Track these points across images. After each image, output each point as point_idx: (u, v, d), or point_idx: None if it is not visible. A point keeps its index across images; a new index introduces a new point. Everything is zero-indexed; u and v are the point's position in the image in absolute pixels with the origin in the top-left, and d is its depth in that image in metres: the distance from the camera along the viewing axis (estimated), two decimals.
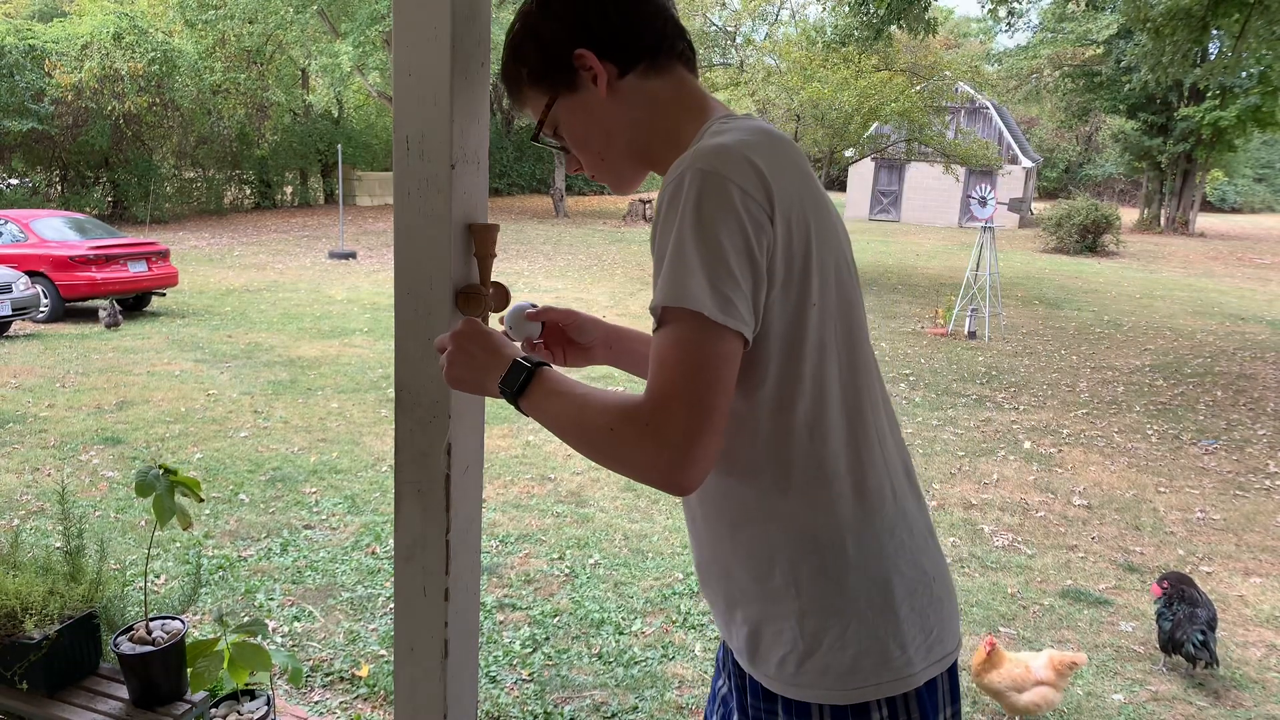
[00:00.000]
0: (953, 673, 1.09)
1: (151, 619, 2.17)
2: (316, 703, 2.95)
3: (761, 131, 1.00)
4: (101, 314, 9.68)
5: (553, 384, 1.02)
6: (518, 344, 1.26)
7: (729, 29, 16.41)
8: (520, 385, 1.03)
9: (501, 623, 3.52)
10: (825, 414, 1.00)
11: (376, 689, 3.01)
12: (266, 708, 2.15)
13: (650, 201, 25.59)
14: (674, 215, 0.92)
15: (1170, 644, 3.20)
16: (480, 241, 1.27)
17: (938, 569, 1.08)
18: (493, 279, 1.32)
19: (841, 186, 30.35)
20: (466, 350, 1.10)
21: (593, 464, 5.44)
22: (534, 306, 1.28)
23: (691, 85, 1.10)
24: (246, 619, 2.76)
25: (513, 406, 1.04)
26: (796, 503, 1.00)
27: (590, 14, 1.06)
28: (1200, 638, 3.12)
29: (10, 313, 8.76)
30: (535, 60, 1.08)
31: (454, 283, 1.26)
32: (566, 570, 4.01)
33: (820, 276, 0.99)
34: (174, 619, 2.20)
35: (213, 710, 2.14)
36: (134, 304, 10.58)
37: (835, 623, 1.01)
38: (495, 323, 1.29)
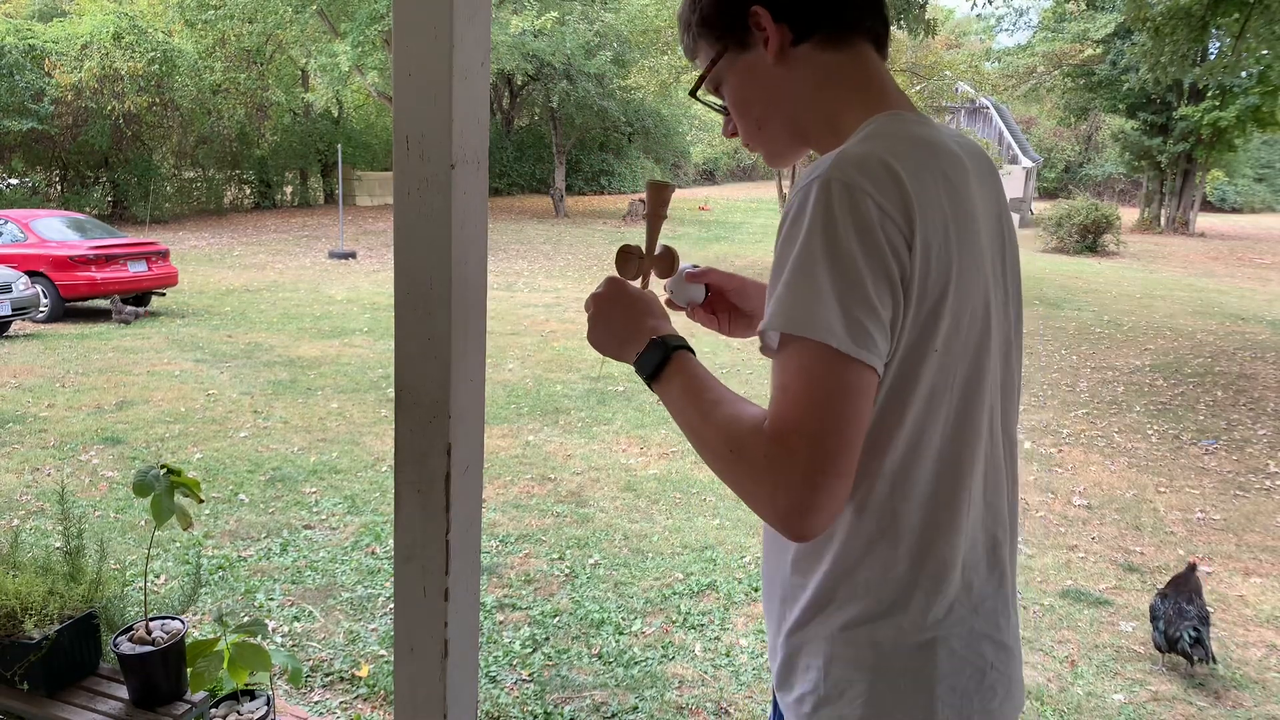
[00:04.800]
0: None
1: (151, 619, 2.17)
2: (316, 703, 2.95)
3: (918, 141, 0.91)
4: (115, 315, 9.78)
5: (688, 376, 0.95)
6: (682, 310, 1.22)
7: None
8: (654, 368, 0.97)
9: (501, 623, 3.52)
10: (914, 468, 0.91)
11: (376, 689, 3.01)
12: (266, 708, 2.15)
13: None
14: (799, 229, 0.84)
15: (1165, 642, 3.21)
16: (652, 200, 1.20)
17: (1001, 659, 0.97)
18: (660, 243, 1.22)
19: None
20: (605, 314, 1.05)
21: (593, 464, 5.46)
22: (695, 267, 1.21)
23: (872, 68, 0.99)
24: (246, 619, 2.76)
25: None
26: (858, 549, 0.93)
27: None
28: (1193, 634, 3.12)
29: (10, 313, 8.76)
30: (709, 8, 1.01)
31: (464, 282, 1.25)
32: (566, 570, 4.01)
33: (951, 319, 0.89)
34: (174, 619, 2.20)
35: (212, 710, 2.13)
36: (134, 304, 10.60)
37: (862, 678, 0.93)
38: (659, 289, 1.22)
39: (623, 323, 1.03)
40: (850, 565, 0.93)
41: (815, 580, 0.95)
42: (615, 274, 1.11)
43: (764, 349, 0.89)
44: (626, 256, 1.21)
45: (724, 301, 1.26)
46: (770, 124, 1.03)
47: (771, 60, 0.98)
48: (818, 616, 0.96)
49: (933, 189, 0.87)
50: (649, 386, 0.98)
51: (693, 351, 0.99)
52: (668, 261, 1.21)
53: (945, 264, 0.87)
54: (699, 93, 1.06)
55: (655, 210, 1.20)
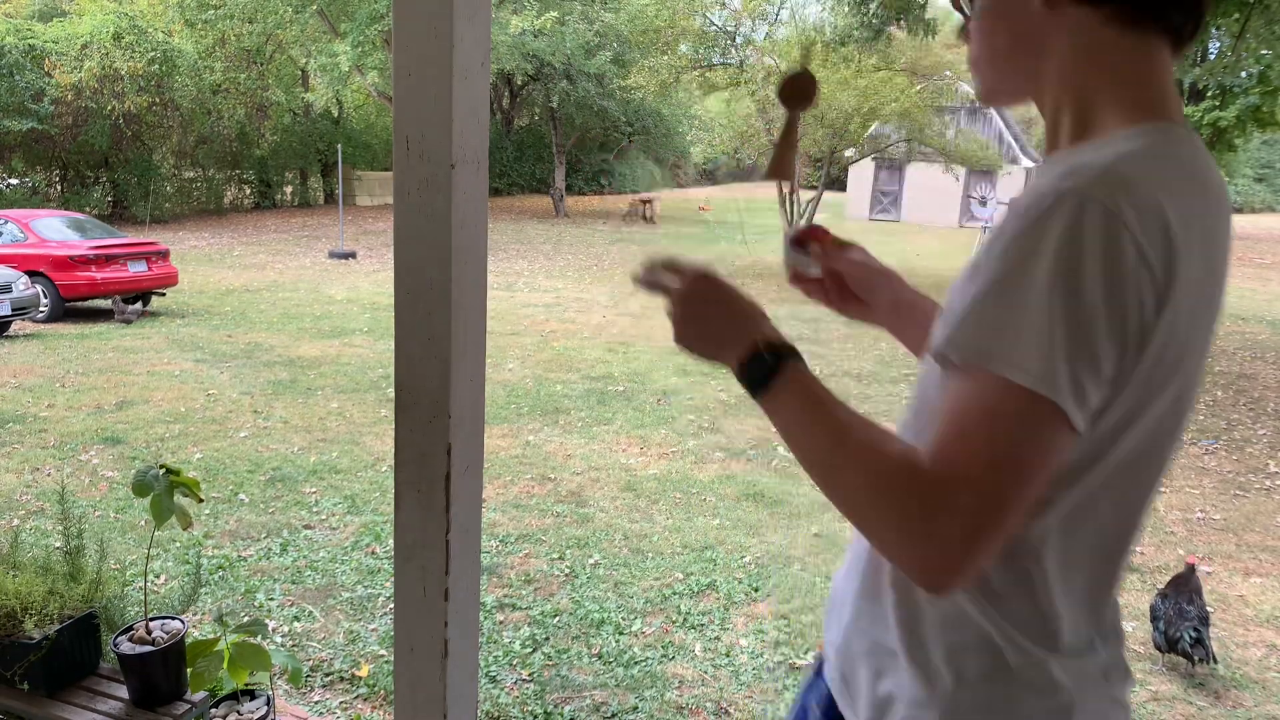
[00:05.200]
0: None
1: (151, 619, 2.17)
2: (316, 703, 2.95)
3: (1193, 176, 0.78)
4: (117, 315, 9.80)
5: (807, 392, 0.83)
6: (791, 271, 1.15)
7: (729, 29, 16.39)
8: (762, 378, 0.85)
9: (501, 623, 3.52)
10: (1075, 539, 0.81)
11: (376, 689, 3.01)
12: (266, 708, 2.15)
13: (651, 202, 25.60)
14: (1031, 242, 0.71)
15: (1166, 642, 3.21)
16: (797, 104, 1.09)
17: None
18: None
19: (841, 186, 30.33)
20: (697, 312, 0.92)
21: (593, 464, 5.47)
22: (813, 231, 1.11)
23: (1158, 67, 0.83)
24: (246, 619, 2.76)
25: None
26: (1001, 608, 0.83)
27: None
28: (1193, 634, 3.12)
29: (10, 312, 8.76)
30: None
31: (464, 282, 1.25)
32: (566, 570, 4.01)
33: (1174, 392, 0.78)
34: (174, 619, 2.20)
35: (212, 710, 2.13)
36: (134, 302, 10.60)
37: None
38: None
39: (719, 324, 0.91)
40: (992, 623, 0.83)
41: (951, 626, 0.85)
42: (706, 267, 0.98)
43: (935, 358, 0.78)
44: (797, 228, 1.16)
45: (841, 284, 1.15)
46: (1005, 62, 0.90)
47: (1040, 3, 0.84)
48: (936, 661, 0.85)
49: (1196, 243, 0.75)
50: (753, 398, 0.87)
51: (804, 360, 0.87)
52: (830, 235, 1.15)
53: (1187, 333, 0.75)
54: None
55: (790, 137, 1.10)
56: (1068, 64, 0.84)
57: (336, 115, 29.03)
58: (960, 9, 0.95)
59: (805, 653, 3.31)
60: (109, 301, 10.11)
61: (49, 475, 4.92)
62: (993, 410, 0.71)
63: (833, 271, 1.15)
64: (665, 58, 16.51)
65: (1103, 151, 0.76)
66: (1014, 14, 0.86)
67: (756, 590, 3.86)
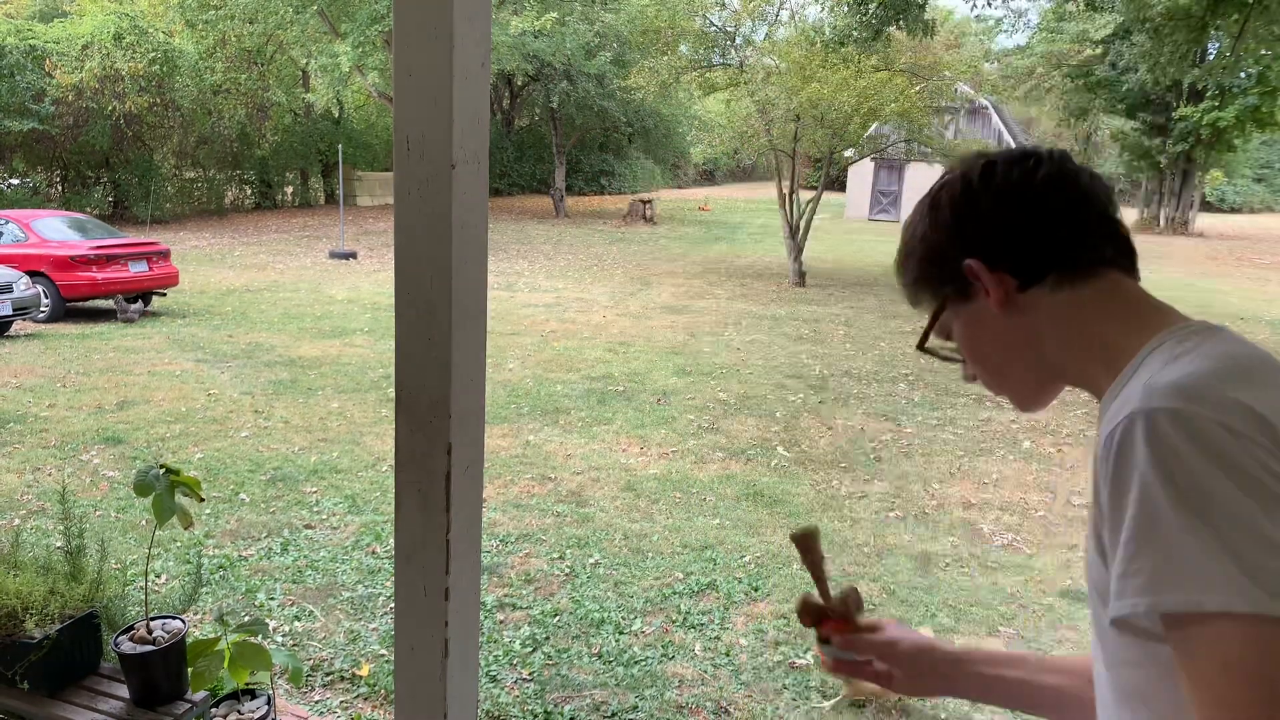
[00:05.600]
0: None
1: (152, 618, 2.18)
2: (317, 702, 2.95)
3: (1247, 359, 0.76)
4: (120, 314, 9.83)
5: None
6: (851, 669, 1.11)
7: (729, 29, 16.38)
8: None
9: (502, 622, 3.52)
10: None
11: (377, 688, 3.01)
12: (267, 707, 2.15)
13: (651, 202, 25.60)
14: (1126, 484, 0.69)
15: None
16: (804, 550, 1.13)
17: None
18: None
19: (841, 186, 30.36)
20: None
21: (593, 464, 5.47)
22: (826, 623, 1.11)
23: (1129, 292, 0.88)
24: (247, 618, 2.76)
25: None
26: None
27: (977, 223, 0.90)
28: None
29: (11, 313, 8.77)
30: (920, 263, 0.95)
31: (464, 282, 1.25)
32: (566, 570, 4.01)
33: None
34: (174, 618, 2.20)
35: (213, 710, 2.14)
36: (136, 301, 10.61)
37: None
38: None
39: None
40: None
41: None
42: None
43: (1121, 627, 0.73)
44: (806, 608, 1.12)
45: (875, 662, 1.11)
46: (1012, 370, 0.94)
47: (997, 310, 0.89)
48: None
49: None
50: None
51: None
52: (854, 602, 1.11)
53: None
54: (928, 343, 0.99)
55: (811, 560, 1.12)
56: (1059, 334, 0.89)
57: (337, 116, 29.04)
58: (949, 356, 1.00)
59: (805, 652, 3.32)
60: (111, 301, 10.12)
61: (50, 475, 4.93)
62: (1221, 656, 0.65)
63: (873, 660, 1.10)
64: (665, 58, 16.50)
65: (1152, 368, 0.78)
66: (988, 333, 0.92)
67: (756, 590, 3.87)
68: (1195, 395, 0.70)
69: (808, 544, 1.13)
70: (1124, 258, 0.89)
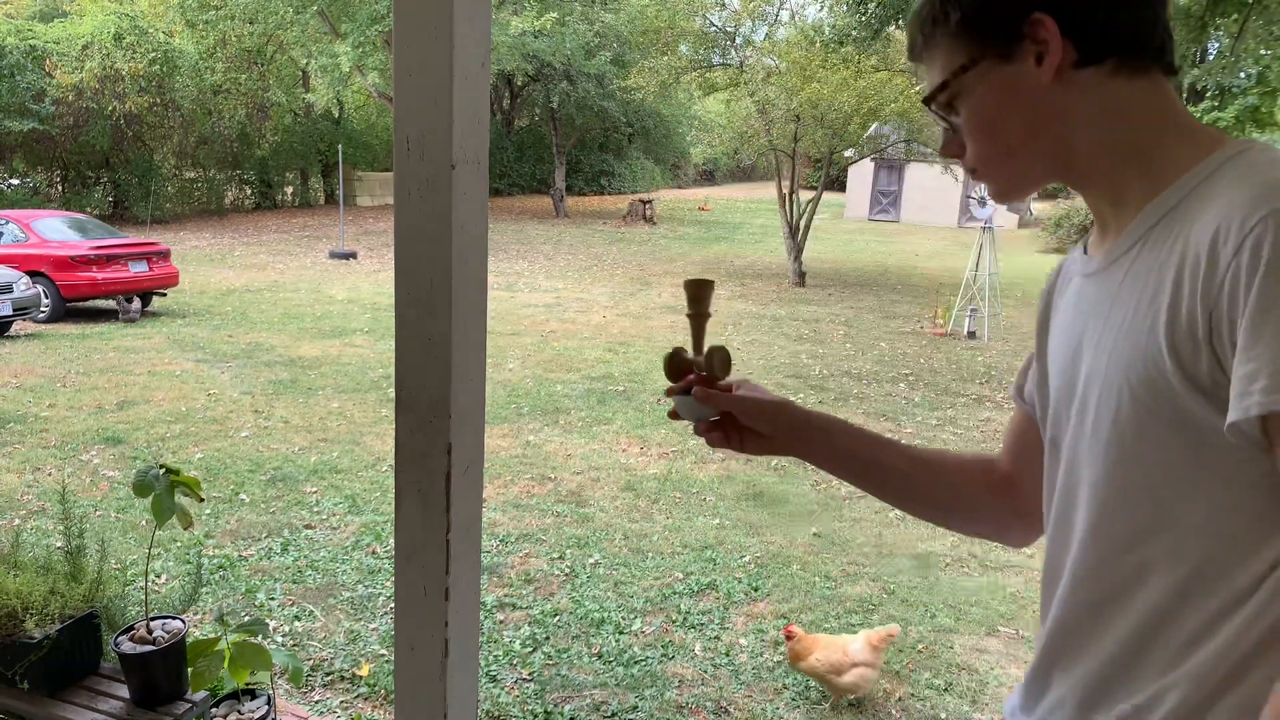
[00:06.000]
0: None
1: (152, 618, 2.18)
2: (317, 702, 2.95)
3: None
4: (121, 314, 9.83)
5: None
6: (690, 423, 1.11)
7: (729, 29, 16.38)
8: None
9: (502, 622, 3.52)
10: None
11: (377, 688, 3.01)
12: (267, 707, 2.15)
13: (651, 202, 25.59)
14: None
15: None
16: (693, 298, 1.12)
17: None
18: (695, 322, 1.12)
19: (841, 187, 30.35)
20: None
21: (593, 464, 5.47)
22: (689, 379, 1.11)
23: (1176, 103, 0.85)
24: (247, 618, 2.76)
25: None
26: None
27: None
28: None
29: (11, 313, 8.77)
30: (974, 7, 0.85)
31: (464, 282, 1.25)
32: (566, 570, 4.01)
33: None
34: (174, 618, 2.20)
35: (213, 710, 2.14)
36: (138, 300, 10.62)
37: None
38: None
39: None
40: None
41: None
42: None
43: (1243, 437, 0.72)
44: (675, 363, 1.12)
45: (736, 419, 1.11)
46: (1026, 150, 0.88)
47: (1048, 79, 0.82)
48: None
49: None
50: None
51: None
52: (722, 362, 1.11)
53: None
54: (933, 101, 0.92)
55: (699, 309, 1.12)
56: (1102, 126, 0.84)
57: (337, 116, 29.04)
58: (946, 119, 0.92)
59: None
60: (112, 301, 10.12)
61: (50, 475, 4.93)
62: None
63: (729, 417, 1.10)
64: (665, 58, 16.50)
65: (1253, 174, 0.75)
66: (1021, 102, 0.85)
67: (756, 590, 3.87)
68: None
69: (699, 293, 1.11)
70: (1173, 67, 0.85)
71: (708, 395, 1.09)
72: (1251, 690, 0.74)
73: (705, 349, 1.11)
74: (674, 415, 1.13)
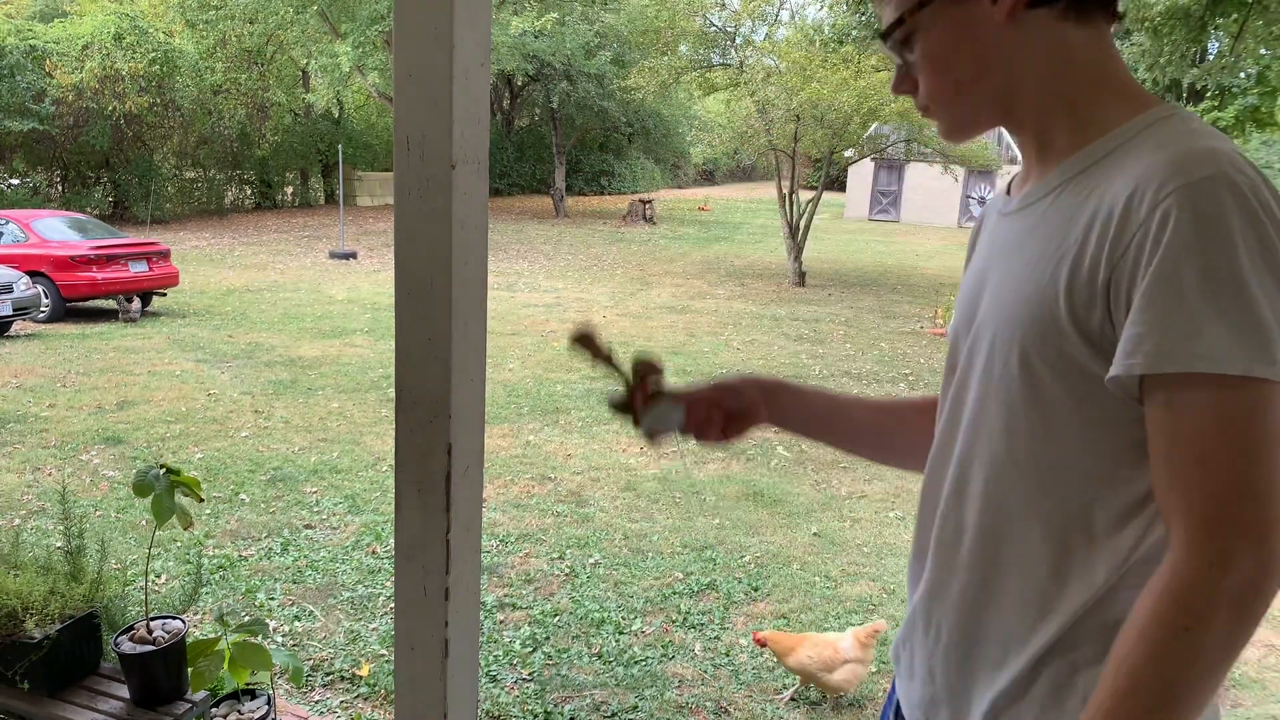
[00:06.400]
0: None
1: (152, 618, 2.18)
2: (317, 702, 2.96)
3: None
4: (122, 314, 9.83)
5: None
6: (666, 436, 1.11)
7: (729, 29, 16.38)
8: None
9: (502, 622, 3.52)
10: None
11: (377, 688, 3.01)
12: (267, 707, 2.16)
13: (651, 202, 25.59)
14: (1217, 235, 0.71)
15: None
16: (588, 347, 1.13)
17: None
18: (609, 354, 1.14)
19: (841, 187, 30.35)
20: None
21: (593, 464, 5.47)
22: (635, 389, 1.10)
23: (1118, 57, 0.87)
24: (247, 618, 2.76)
25: None
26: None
27: None
28: None
29: (11, 313, 8.77)
30: None
31: (464, 282, 1.26)
32: (566, 570, 4.01)
33: None
34: (174, 619, 2.21)
35: (213, 709, 2.14)
36: (138, 300, 10.61)
37: None
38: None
39: None
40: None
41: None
42: None
43: (1122, 390, 0.76)
44: (614, 404, 1.13)
45: (708, 408, 1.12)
46: (974, 90, 0.89)
47: (1001, 19, 0.84)
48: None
49: None
50: None
51: None
52: (648, 368, 1.11)
53: None
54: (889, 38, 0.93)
55: (596, 354, 1.13)
56: (1045, 70, 0.86)
57: (337, 116, 29.03)
58: (900, 54, 0.93)
59: None
60: (112, 301, 10.12)
61: (50, 475, 4.93)
62: (1233, 419, 0.71)
63: (700, 402, 1.12)
64: (665, 58, 16.50)
65: (1175, 140, 0.77)
66: (973, 41, 0.87)
67: (756, 590, 3.87)
68: (1259, 174, 0.74)
69: (586, 341, 1.12)
70: (1116, 13, 0.88)
71: (683, 396, 1.10)
72: (1117, 616, 0.78)
73: (630, 365, 1.11)
74: (651, 436, 1.13)
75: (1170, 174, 0.73)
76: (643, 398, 1.11)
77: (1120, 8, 0.88)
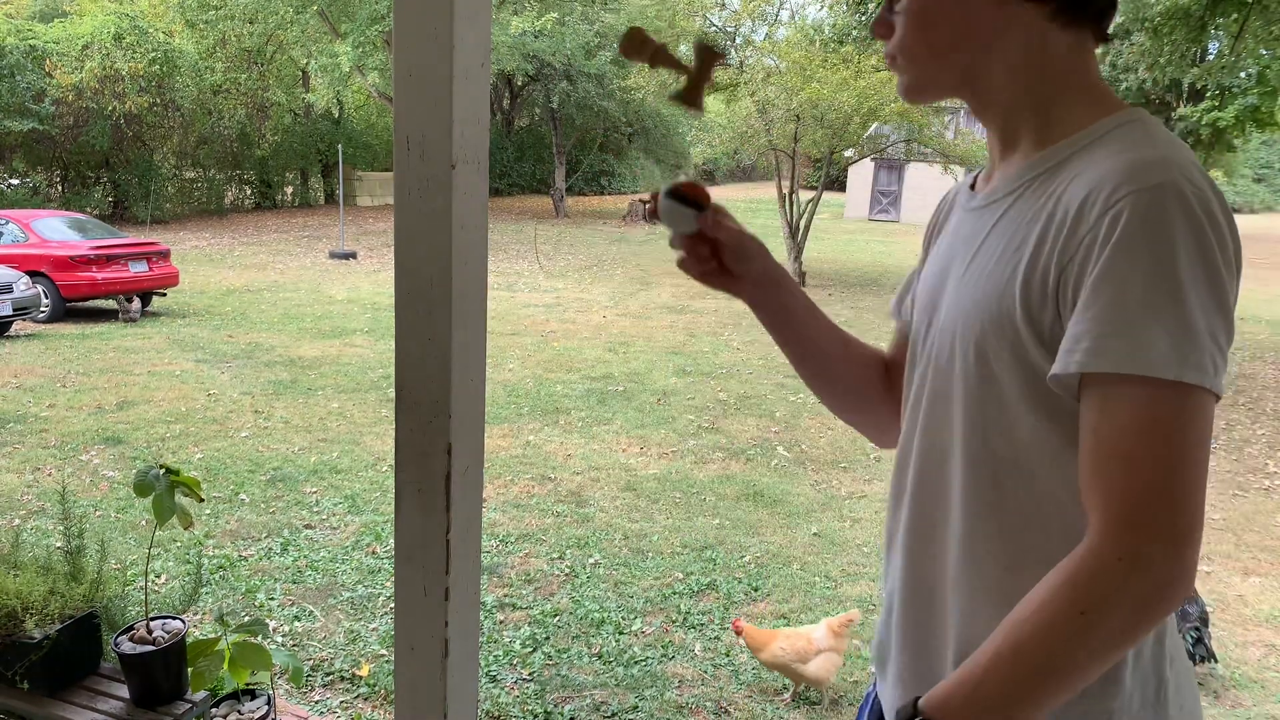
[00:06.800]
0: None
1: (152, 619, 2.18)
2: (317, 702, 2.95)
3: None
4: (122, 314, 9.83)
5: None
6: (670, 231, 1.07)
7: (729, 29, 16.39)
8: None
9: (502, 622, 3.52)
10: None
11: (377, 688, 3.01)
12: (267, 707, 2.15)
13: (650, 202, 25.59)
14: (1161, 241, 0.72)
15: None
16: (649, 54, 1.02)
17: None
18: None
19: (841, 187, 30.34)
20: None
21: (592, 463, 5.47)
22: (695, 188, 1.02)
23: (1094, 64, 0.88)
24: (247, 618, 2.76)
25: None
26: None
27: None
28: (1194, 634, 3.12)
29: (11, 313, 8.77)
30: None
31: (464, 282, 1.26)
32: (566, 570, 4.01)
33: None
34: (174, 619, 2.20)
35: (213, 710, 2.14)
36: (138, 299, 10.61)
37: None
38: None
39: None
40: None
41: None
42: None
43: (1063, 388, 0.78)
44: (638, 39, 1.02)
45: (711, 246, 1.09)
46: (945, 57, 0.90)
47: None
48: None
49: None
50: None
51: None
52: (710, 54, 1.02)
53: None
54: None
55: (655, 54, 1.03)
56: (1019, 62, 0.87)
57: (337, 116, 29.03)
58: (890, 15, 0.93)
59: None
60: (112, 301, 10.12)
61: (50, 475, 4.93)
62: (1161, 420, 0.72)
63: (709, 239, 1.08)
64: None
65: (1133, 147, 0.78)
66: (963, 8, 0.87)
67: (756, 590, 3.87)
68: (1212, 186, 0.75)
69: (637, 40, 1.02)
70: (1106, 33, 0.89)
71: (711, 219, 1.05)
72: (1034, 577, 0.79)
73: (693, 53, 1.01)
74: (653, 215, 1.10)
75: (1123, 180, 0.75)
76: (708, 81, 1.03)
77: (1110, 30, 0.89)
